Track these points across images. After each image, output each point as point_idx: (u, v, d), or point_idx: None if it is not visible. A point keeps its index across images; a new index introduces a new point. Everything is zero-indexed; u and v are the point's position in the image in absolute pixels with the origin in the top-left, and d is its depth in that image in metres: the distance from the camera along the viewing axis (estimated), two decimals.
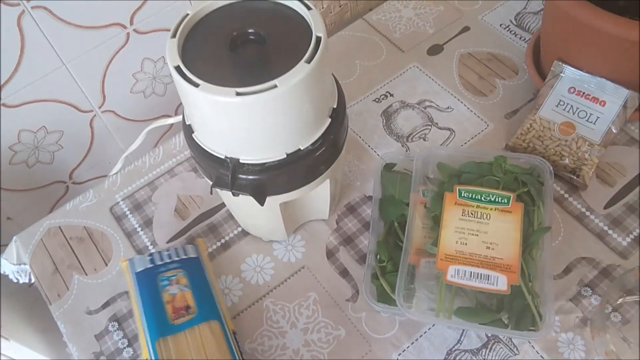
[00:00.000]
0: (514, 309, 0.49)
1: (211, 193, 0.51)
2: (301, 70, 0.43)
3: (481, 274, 0.50)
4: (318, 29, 0.45)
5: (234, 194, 0.49)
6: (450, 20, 0.80)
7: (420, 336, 0.55)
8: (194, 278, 0.55)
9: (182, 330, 0.51)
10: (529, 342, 0.54)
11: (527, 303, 0.49)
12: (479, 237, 0.52)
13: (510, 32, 0.77)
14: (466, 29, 0.79)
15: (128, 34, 0.73)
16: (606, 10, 0.55)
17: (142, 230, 0.64)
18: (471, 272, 0.50)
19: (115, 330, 0.58)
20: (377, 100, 0.73)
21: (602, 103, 0.62)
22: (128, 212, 0.65)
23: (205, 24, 0.48)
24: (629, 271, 0.54)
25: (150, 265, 0.55)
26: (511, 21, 0.79)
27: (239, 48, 0.46)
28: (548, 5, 0.64)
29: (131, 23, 0.72)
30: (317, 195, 0.58)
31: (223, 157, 0.48)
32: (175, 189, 0.67)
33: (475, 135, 0.68)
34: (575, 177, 0.62)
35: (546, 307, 0.49)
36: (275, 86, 0.42)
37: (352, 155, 0.68)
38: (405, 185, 0.60)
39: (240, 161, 0.48)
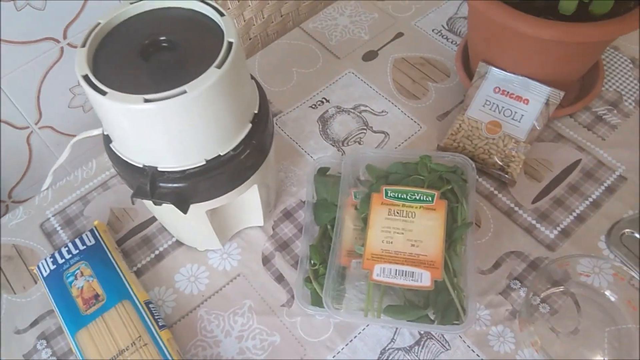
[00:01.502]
0: (439, 304, 0.50)
1: (133, 203, 0.51)
2: (211, 75, 0.43)
3: (406, 271, 0.50)
4: (230, 35, 0.45)
5: (155, 203, 0.49)
6: (384, 27, 0.81)
7: (355, 337, 0.55)
8: (97, 266, 0.57)
9: (95, 319, 0.54)
10: (460, 337, 0.54)
11: (451, 298, 0.50)
12: (404, 235, 0.53)
13: (442, 36, 0.79)
14: (400, 34, 0.80)
15: (62, 48, 0.72)
16: (523, 12, 0.57)
17: None
18: (396, 270, 0.51)
19: (43, 349, 0.56)
20: (313, 106, 0.74)
21: (526, 101, 0.64)
22: (59, 228, 0.64)
23: (118, 32, 0.47)
24: (553, 262, 0.56)
25: (54, 266, 0.57)
26: (443, 26, 0.81)
27: (151, 56, 0.46)
28: (471, 8, 0.66)
29: (64, 37, 0.71)
30: (248, 202, 0.58)
31: (141, 165, 0.48)
32: (108, 202, 0.66)
33: (409, 138, 0.70)
34: (504, 174, 0.64)
35: (469, 301, 0.50)
36: (185, 92, 0.42)
37: (289, 161, 0.69)
38: (337, 189, 0.61)
39: (159, 169, 0.48)
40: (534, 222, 0.61)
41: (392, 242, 0.52)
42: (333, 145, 0.70)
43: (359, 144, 0.70)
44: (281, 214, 0.64)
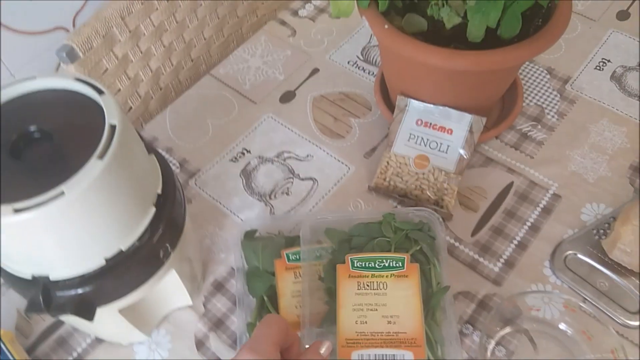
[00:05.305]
0: None
1: (28, 318, 0.44)
2: (93, 168, 0.37)
3: (386, 356, 0.46)
4: (112, 116, 0.40)
5: (53, 316, 0.42)
6: (298, 64, 0.78)
7: None
8: None
9: None
10: None
11: None
12: (378, 311, 0.48)
13: (359, 67, 0.76)
14: (316, 70, 0.77)
15: None
16: (431, 43, 0.54)
17: None
18: (375, 355, 0.46)
19: None
20: (233, 159, 0.69)
21: (450, 131, 0.61)
22: None
23: None
24: (504, 301, 0.53)
25: None
26: (358, 57, 0.78)
27: (22, 152, 0.40)
28: (380, 44, 0.64)
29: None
30: (168, 286, 0.52)
31: (29, 277, 0.41)
32: (13, 303, 0.58)
33: (338, 181, 0.66)
34: (439, 209, 0.61)
35: None
36: (63, 193, 0.36)
37: (213, 225, 0.63)
38: (268, 253, 0.56)
39: (52, 279, 0.41)
40: (476, 256, 0.59)
41: (366, 322, 0.48)
42: (260, 200, 0.65)
43: (287, 194, 0.65)
44: (211, 286, 0.59)
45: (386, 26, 0.56)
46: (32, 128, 0.40)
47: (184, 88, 0.90)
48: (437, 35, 0.56)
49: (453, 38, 0.56)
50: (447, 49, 0.54)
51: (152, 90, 0.85)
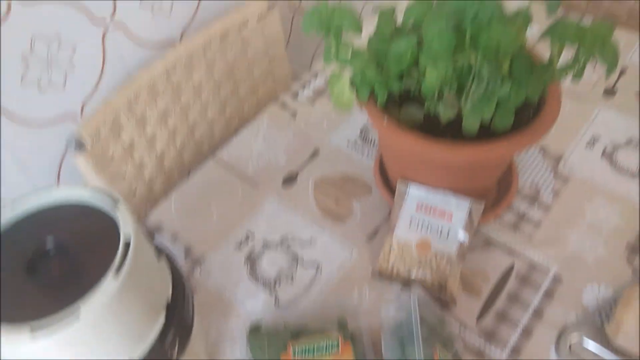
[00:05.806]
0: None
1: None
2: (108, 287, 0.38)
3: None
4: (127, 228, 0.41)
5: None
6: (299, 146, 0.80)
7: None
8: None
9: None
10: None
11: None
12: None
13: (358, 148, 0.79)
14: (316, 152, 0.79)
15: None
16: (427, 134, 0.57)
17: None
18: None
19: None
20: (238, 245, 0.70)
21: (449, 216, 0.63)
22: None
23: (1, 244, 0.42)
24: None
25: None
26: (357, 137, 0.81)
27: (39, 268, 0.41)
28: (379, 134, 0.66)
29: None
30: None
31: None
32: None
33: (342, 265, 0.67)
34: (443, 294, 0.62)
35: None
36: (78, 317, 0.37)
37: (218, 314, 0.63)
38: (274, 349, 0.56)
39: None
40: (483, 343, 0.59)
41: None
42: (265, 288, 0.65)
43: (291, 281, 0.66)
44: None
45: (385, 122, 0.58)
46: (48, 245, 0.41)
47: (187, 169, 0.92)
48: (434, 125, 0.58)
49: (449, 127, 0.58)
50: (445, 142, 0.56)
51: (157, 173, 0.87)
